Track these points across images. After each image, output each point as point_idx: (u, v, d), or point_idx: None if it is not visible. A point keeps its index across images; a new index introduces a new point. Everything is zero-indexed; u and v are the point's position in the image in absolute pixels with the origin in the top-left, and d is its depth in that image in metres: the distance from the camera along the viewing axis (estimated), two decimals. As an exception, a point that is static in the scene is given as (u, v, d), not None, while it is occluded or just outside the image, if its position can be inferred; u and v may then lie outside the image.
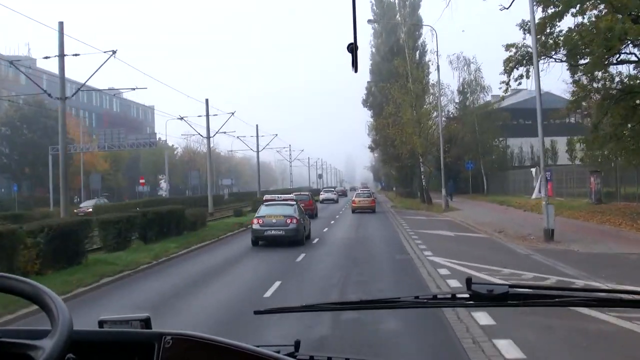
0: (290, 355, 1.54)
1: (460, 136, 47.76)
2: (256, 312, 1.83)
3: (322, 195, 55.55)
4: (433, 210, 35.53)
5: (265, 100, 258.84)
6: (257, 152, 55.31)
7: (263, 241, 18.95)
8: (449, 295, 1.67)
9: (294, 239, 18.52)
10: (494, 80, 67.09)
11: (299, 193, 34.90)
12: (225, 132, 43.30)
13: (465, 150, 48.72)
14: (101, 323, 1.59)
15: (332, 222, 30.11)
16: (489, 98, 53.20)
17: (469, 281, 1.53)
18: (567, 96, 29.90)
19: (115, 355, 1.46)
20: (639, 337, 6.54)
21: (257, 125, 54.80)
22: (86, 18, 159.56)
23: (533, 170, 40.14)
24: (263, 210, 19.73)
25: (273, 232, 18.64)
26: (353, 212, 36.33)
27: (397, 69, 42.24)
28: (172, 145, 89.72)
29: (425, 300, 1.70)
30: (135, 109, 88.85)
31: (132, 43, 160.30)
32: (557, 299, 1.59)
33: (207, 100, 38.96)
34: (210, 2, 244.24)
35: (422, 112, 40.72)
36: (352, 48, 2.92)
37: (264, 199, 23.18)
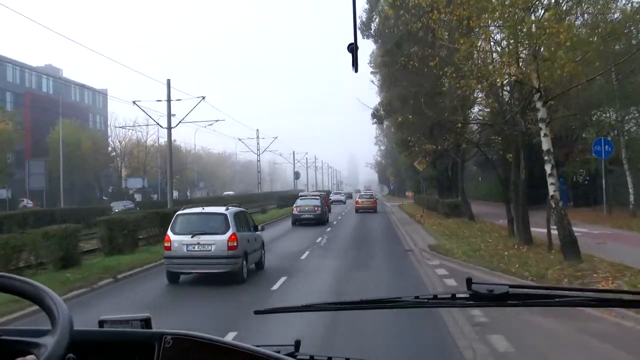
0: (290, 355, 1.52)
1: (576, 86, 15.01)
2: (256, 312, 1.85)
3: (333, 197, 63.19)
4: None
5: (265, 103, 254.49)
6: (169, 128, 29.96)
7: (299, 222, 29.92)
8: (449, 295, 1.66)
9: (319, 221, 29.99)
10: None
11: (321, 192, 46.20)
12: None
13: (581, 116, 23.18)
14: (101, 323, 1.56)
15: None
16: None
17: (469, 281, 1.53)
18: None
19: (116, 355, 1.45)
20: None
21: (168, 81, 29.92)
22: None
23: None
24: (299, 202, 31.59)
25: (306, 216, 30.12)
26: (356, 211, 41.83)
27: None
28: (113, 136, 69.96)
29: (426, 300, 1.70)
30: (78, 91, 69.54)
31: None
32: (557, 299, 1.57)
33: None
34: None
35: None
36: (353, 48, 3.10)
37: (298, 195, 37.47)
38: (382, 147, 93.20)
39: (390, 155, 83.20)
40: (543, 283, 13.65)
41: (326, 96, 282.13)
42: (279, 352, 1.47)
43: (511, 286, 1.50)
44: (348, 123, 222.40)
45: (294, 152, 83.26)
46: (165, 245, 12.65)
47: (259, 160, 62.94)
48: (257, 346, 1.42)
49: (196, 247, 12.27)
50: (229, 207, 13.44)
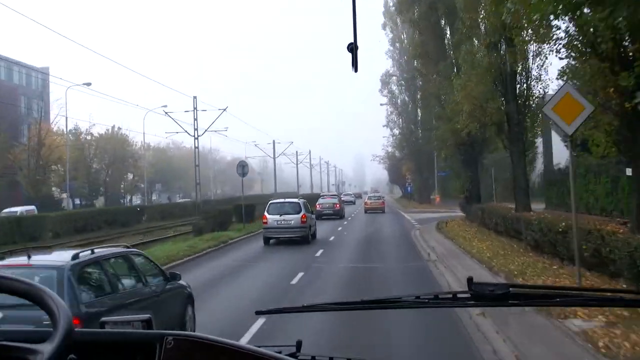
0: (291, 355, 1.55)
1: None
2: (257, 313, 1.95)
3: (343, 198, 67.94)
4: None
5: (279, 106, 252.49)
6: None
7: (321, 217, 36.11)
8: (450, 295, 1.69)
9: (337, 216, 39.30)
10: None
11: (334, 194, 51.92)
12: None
13: None
14: (102, 324, 1.62)
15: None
16: None
17: (469, 281, 1.55)
18: None
19: (117, 355, 1.46)
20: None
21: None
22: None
23: None
24: (320, 200, 41.29)
25: (327, 211, 39.10)
26: (365, 212, 46.45)
27: None
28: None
29: (427, 300, 1.71)
30: (6, 68, 54.45)
31: None
32: (557, 299, 1.65)
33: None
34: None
35: None
36: (352, 48, 2.83)
37: (320, 195, 49.63)
38: (396, 131, 63.31)
39: (409, 143, 59.81)
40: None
41: (329, 92, 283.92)
42: (280, 352, 1.49)
43: (512, 286, 1.50)
44: (356, 118, 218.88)
45: (273, 141, 62.77)
46: (264, 221, 21.70)
47: (196, 147, 42.52)
48: (258, 346, 1.45)
49: (282, 222, 21.26)
50: (300, 199, 23.71)
